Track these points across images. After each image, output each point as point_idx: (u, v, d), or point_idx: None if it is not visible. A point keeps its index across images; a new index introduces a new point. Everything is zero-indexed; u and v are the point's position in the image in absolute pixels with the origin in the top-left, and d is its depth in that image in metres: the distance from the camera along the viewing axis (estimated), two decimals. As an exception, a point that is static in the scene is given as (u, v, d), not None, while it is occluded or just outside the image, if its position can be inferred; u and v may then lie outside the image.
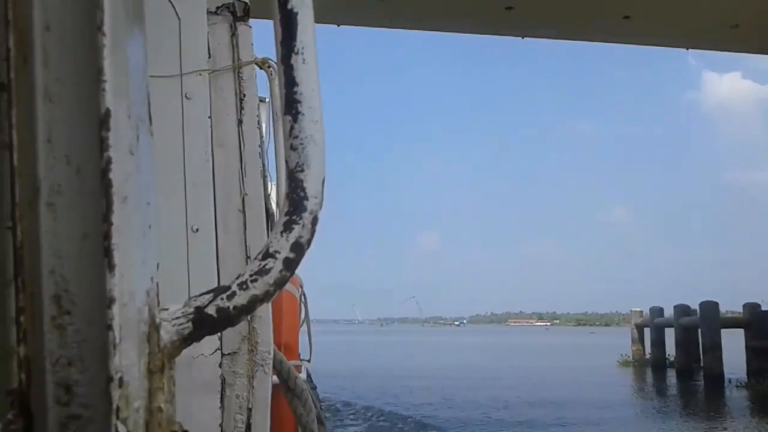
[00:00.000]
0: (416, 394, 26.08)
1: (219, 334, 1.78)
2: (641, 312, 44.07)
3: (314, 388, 7.82)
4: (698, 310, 33.13)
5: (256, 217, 1.88)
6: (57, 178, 0.57)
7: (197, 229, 1.73)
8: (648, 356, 40.45)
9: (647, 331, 41.18)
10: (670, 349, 37.83)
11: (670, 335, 37.32)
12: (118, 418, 0.51)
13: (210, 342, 1.77)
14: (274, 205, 5.30)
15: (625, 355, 42.80)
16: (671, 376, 34.53)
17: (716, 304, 31.72)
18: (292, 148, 0.68)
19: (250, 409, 1.83)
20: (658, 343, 38.69)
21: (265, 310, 1.89)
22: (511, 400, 24.96)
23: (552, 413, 21.80)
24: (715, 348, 30.59)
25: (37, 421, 0.55)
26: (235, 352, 1.81)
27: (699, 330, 31.91)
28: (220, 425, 1.77)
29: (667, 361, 38.18)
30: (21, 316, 0.55)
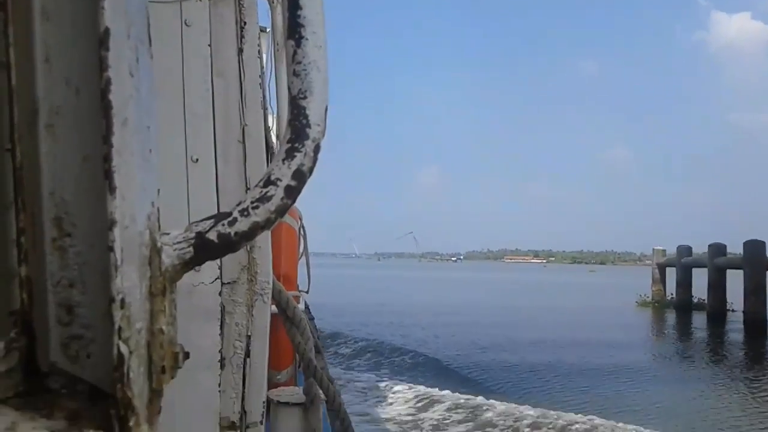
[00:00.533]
0: (419, 332, 24.34)
1: (218, 263, 1.80)
2: (664, 251, 42.27)
3: (312, 318, 7.95)
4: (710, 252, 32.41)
5: (256, 149, 1.87)
6: (56, 100, 0.56)
7: (197, 159, 1.72)
8: (670, 297, 38.75)
9: (669, 272, 39.57)
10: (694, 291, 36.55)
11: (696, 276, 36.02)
12: (120, 338, 0.52)
13: (210, 271, 1.78)
14: (273, 138, 5.28)
15: (644, 295, 40.89)
16: (698, 318, 32.55)
17: (763, 243, 29.42)
18: (295, 74, 0.66)
19: (249, 337, 1.86)
20: (685, 283, 36.79)
21: (264, 241, 1.90)
22: (525, 342, 22.51)
23: (579, 356, 19.41)
24: (758, 290, 28.58)
25: (39, 341, 0.56)
26: (234, 282, 1.83)
27: (742, 271, 29.27)
28: (220, 351, 1.80)
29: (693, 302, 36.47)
30: (21, 238, 0.55)
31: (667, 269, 40.49)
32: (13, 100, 0.57)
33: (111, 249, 0.51)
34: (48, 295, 0.55)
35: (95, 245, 0.53)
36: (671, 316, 34.96)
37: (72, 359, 0.55)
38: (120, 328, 0.52)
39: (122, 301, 0.52)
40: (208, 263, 1.82)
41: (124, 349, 0.52)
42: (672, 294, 39.00)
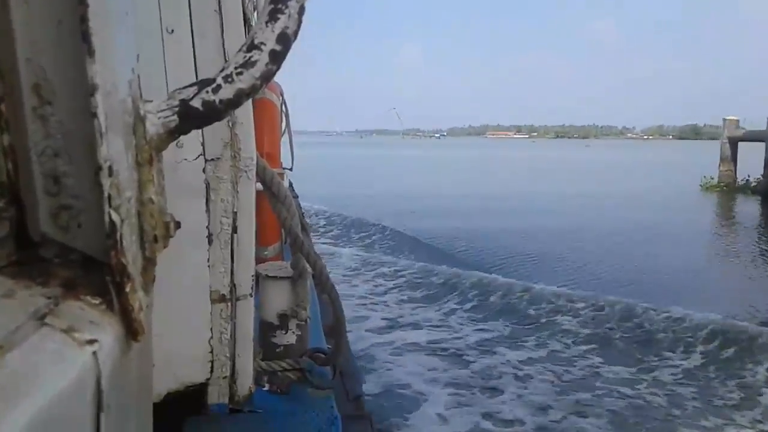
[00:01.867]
0: (422, 218, 20.97)
1: (201, 139, 1.78)
2: (737, 121, 34.33)
3: (296, 197, 8.01)
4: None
5: (233, 19, 1.80)
6: None
7: (172, 30, 1.66)
8: (743, 180, 32.06)
9: (739, 147, 32.50)
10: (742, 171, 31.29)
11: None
12: (110, 206, 0.51)
13: (192, 147, 1.76)
14: (251, 7, 5.07)
15: (709, 176, 33.73)
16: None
17: None
18: None
19: (235, 213, 1.87)
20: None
21: (246, 117, 1.87)
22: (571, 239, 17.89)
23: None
24: None
25: (28, 211, 0.55)
26: (218, 158, 1.82)
27: None
28: (207, 228, 1.82)
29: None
30: (1, 106, 0.53)
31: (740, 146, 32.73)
32: None
33: (94, 115, 0.50)
34: (33, 165, 0.54)
35: (78, 112, 0.51)
36: (753, 204, 27.84)
37: (63, 229, 0.55)
38: (110, 196, 0.51)
39: (110, 168, 0.51)
40: (191, 140, 1.81)
41: (115, 217, 0.52)
42: (748, 176, 31.96)
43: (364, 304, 11.52)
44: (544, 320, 10.57)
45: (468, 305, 11.47)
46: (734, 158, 33.38)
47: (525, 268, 14.16)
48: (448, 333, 9.99)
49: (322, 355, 2.24)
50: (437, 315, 11.04)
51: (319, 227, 20.06)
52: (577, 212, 23.67)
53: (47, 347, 0.46)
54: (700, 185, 33.98)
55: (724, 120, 34.84)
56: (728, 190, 32.32)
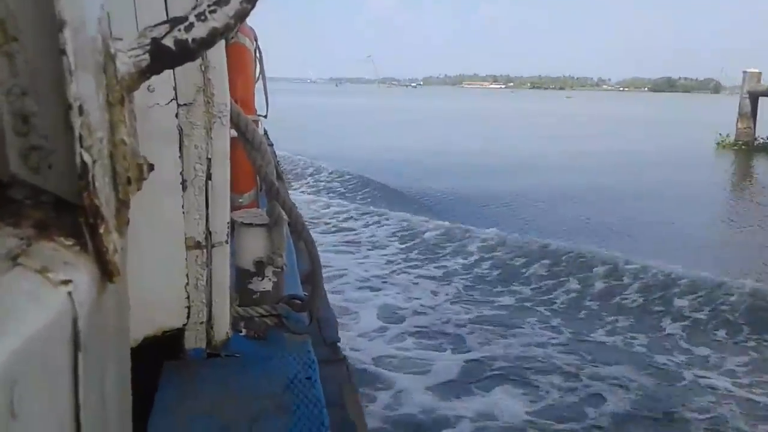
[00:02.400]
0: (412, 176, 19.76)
1: (173, 84, 1.75)
2: (759, 74, 30.79)
3: (271, 144, 7.93)
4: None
5: None
6: None
7: None
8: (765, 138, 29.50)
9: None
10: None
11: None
12: (82, 146, 0.50)
13: (164, 92, 1.74)
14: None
15: (725, 135, 30.98)
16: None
17: None
18: None
19: (209, 160, 1.85)
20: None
21: (219, 62, 1.84)
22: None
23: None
24: None
25: None
26: (191, 103, 1.79)
27: None
28: (181, 174, 1.80)
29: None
30: None
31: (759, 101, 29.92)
32: None
33: (63, 53, 0.48)
34: (0, 104, 0.53)
35: (46, 49, 0.50)
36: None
37: (33, 170, 0.54)
38: (81, 136, 0.50)
39: (80, 108, 0.50)
40: (162, 84, 1.78)
41: (87, 157, 0.51)
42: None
43: (340, 251, 11.61)
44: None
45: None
46: (754, 114, 30.37)
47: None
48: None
49: (299, 302, 2.25)
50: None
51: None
52: (596, 172, 21.81)
53: (22, 287, 0.46)
54: (717, 143, 31.00)
55: (745, 73, 31.25)
56: (747, 149, 29.51)
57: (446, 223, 13.36)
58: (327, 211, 15.26)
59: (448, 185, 18.59)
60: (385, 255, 11.65)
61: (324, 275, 2.30)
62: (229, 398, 1.72)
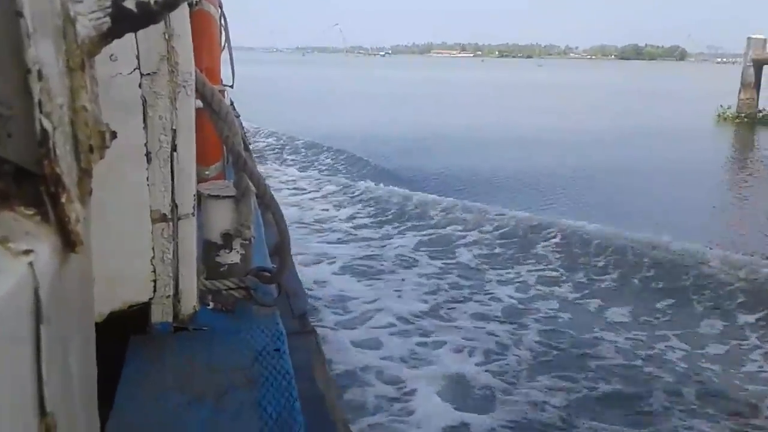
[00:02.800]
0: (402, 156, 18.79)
1: (136, 52, 1.71)
2: (764, 40, 28.26)
3: (237, 116, 7.84)
4: None
5: None
6: None
7: None
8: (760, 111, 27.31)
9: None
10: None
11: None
12: (41, 112, 0.49)
13: (127, 61, 1.70)
14: None
15: (726, 106, 28.78)
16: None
17: None
18: None
19: (174, 130, 1.82)
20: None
21: (183, 29, 1.80)
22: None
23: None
24: None
25: None
26: (154, 73, 1.75)
27: None
28: (145, 145, 1.77)
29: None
30: None
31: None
32: None
33: (20, 15, 0.47)
34: None
35: (2, 13, 0.48)
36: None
37: None
38: (40, 102, 0.49)
39: (39, 73, 0.48)
40: (125, 53, 1.73)
41: (47, 124, 0.49)
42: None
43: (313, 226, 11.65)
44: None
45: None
46: (758, 85, 28.02)
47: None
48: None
49: (267, 274, 2.25)
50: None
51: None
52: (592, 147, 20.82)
53: None
54: (718, 115, 28.82)
55: (749, 39, 28.53)
56: (749, 122, 27.33)
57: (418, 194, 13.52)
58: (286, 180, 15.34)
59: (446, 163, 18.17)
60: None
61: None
62: (196, 372, 1.71)
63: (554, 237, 10.66)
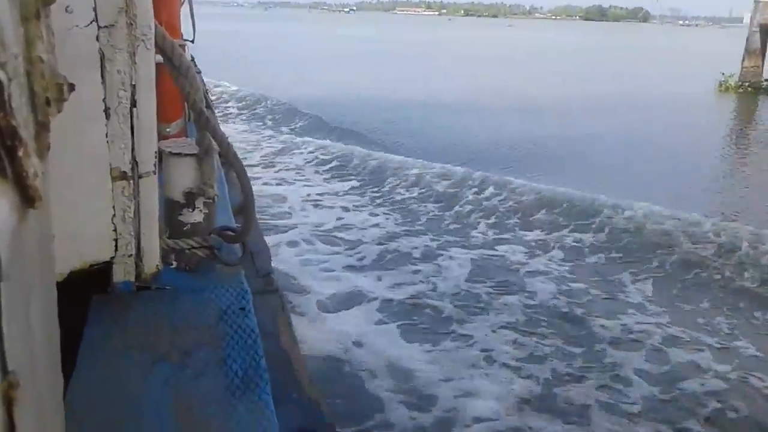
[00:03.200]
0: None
1: (93, 4, 1.65)
2: None
3: (199, 72, 7.68)
4: None
5: None
6: None
7: None
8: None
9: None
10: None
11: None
12: None
13: (83, 13, 1.64)
14: None
15: (728, 74, 26.71)
16: None
17: None
18: None
19: (133, 86, 1.77)
20: None
21: None
22: None
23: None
24: None
25: None
26: (112, 25, 1.69)
27: None
28: (104, 101, 1.73)
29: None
30: None
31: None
32: None
33: None
34: None
35: None
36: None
37: None
38: None
39: None
40: (81, 5, 1.68)
41: (2, 75, 0.47)
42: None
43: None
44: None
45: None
46: (763, 51, 26.17)
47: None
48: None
49: (231, 233, 2.23)
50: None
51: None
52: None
53: None
54: (720, 83, 26.69)
55: (756, 2, 26.33)
56: (753, 92, 25.52)
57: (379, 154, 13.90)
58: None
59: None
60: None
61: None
62: (160, 331, 1.70)
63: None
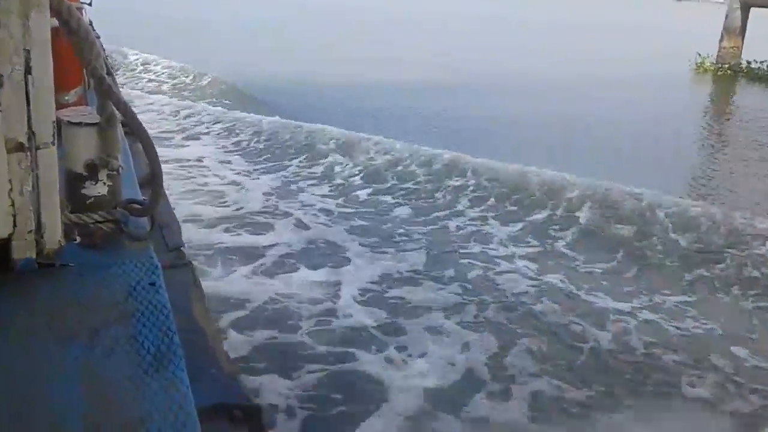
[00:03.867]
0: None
1: None
2: None
3: (98, 37, 7.32)
4: None
5: None
6: None
7: None
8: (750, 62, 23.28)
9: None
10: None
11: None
12: None
13: None
14: None
15: (706, 55, 24.67)
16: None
17: None
18: None
19: (27, 51, 1.67)
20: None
21: None
22: None
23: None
24: None
25: None
26: None
27: None
28: None
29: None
30: None
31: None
32: None
33: None
34: None
35: None
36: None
37: None
38: None
39: None
40: None
41: None
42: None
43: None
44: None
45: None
46: (743, 31, 23.74)
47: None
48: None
49: (138, 206, 2.15)
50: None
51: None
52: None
53: None
54: (697, 64, 24.64)
55: None
56: (732, 74, 23.49)
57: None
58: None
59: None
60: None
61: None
62: (67, 309, 1.64)
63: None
